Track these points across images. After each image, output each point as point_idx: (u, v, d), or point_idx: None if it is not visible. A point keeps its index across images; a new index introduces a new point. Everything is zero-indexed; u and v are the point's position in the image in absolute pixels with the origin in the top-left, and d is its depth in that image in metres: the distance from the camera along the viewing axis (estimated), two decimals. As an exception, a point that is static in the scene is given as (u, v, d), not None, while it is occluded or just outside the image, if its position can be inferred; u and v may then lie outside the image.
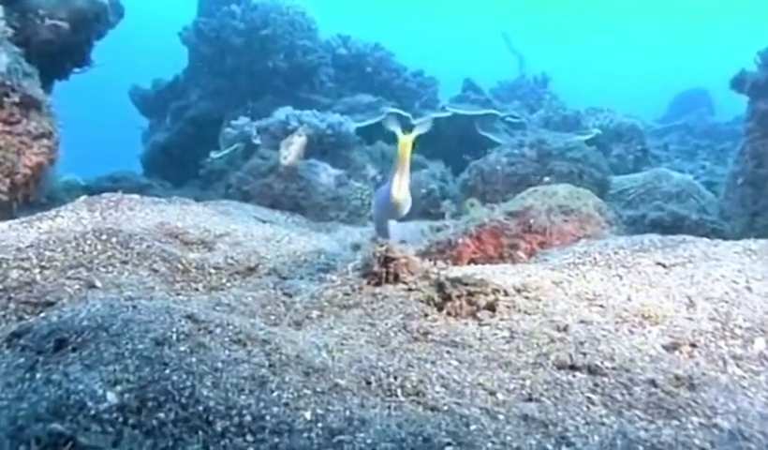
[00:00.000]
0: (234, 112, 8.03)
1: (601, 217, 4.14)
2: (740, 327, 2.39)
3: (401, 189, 2.81)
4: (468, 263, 3.60)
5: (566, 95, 10.85)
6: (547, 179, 5.28)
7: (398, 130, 2.72)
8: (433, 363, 2.07)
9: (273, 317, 2.59)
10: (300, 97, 8.60)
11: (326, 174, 5.96)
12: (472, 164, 5.95)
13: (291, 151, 5.73)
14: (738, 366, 2.19)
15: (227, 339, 2.04)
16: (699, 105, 13.80)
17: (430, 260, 2.98)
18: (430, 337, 2.27)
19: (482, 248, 3.72)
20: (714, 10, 37.22)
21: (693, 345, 2.27)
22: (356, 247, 3.87)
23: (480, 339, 2.26)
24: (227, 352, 1.96)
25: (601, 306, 2.53)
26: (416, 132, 2.81)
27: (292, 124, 6.44)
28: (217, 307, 2.57)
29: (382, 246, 2.81)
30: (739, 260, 3.07)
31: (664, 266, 2.97)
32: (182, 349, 1.92)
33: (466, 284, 2.53)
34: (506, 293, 2.54)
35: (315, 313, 2.62)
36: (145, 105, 10.52)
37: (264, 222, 4.40)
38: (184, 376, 1.77)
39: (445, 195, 6.01)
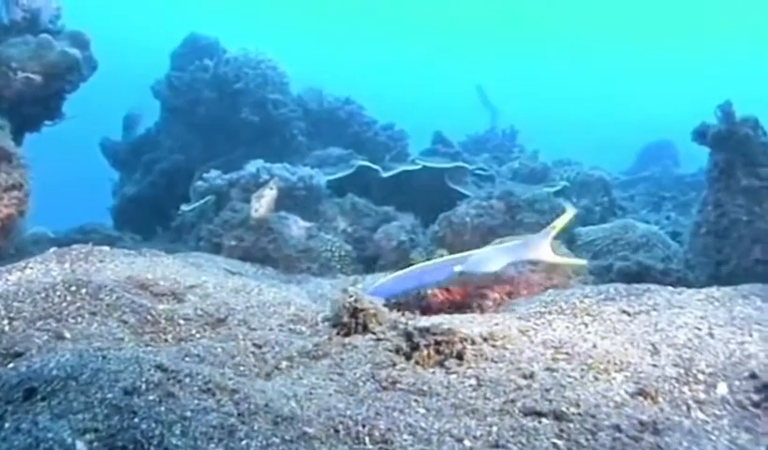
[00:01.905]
0: (206, 166, 8.06)
1: (568, 268, 4.21)
2: (703, 373, 2.44)
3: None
4: (437, 313, 3.63)
5: (539, 146, 11.00)
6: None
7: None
8: (401, 411, 2.10)
9: (242, 368, 2.59)
10: (271, 150, 8.65)
11: (297, 227, 5.99)
12: (441, 216, 6.01)
13: (262, 203, 5.77)
14: (701, 410, 2.24)
15: (196, 389, 2.05)
16: (664, 156, 14.06)
17: (399, 310, 3.02)
18: (398, 385, 2.29)
19: (451, 299, 3.77)
20: (679, 62, 37.99)
21: (657, 391, 2.32)
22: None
23: (448, 387, 2.28)
24: (196, 401, 1.97)
25: (567, 353, 2.58)
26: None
27: (263, 177, 6.49)
28: (186, 358, 2.57)
29: (351, 296, 2.85)
30: (702, 307, 3.13)
31: (629, 314, 3.03)
32: (151, 398, 1.94)
33: (434, 333, 2.56)
34: (473, 342, 2.58)
35: (284, 364, 2.64)
36: (116, 157, 10.53)
37: (234, 274, 4.41)
38: (153, 425, 1.78)
39: (415, 247, 6.05)
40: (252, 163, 6.82)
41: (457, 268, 3.67)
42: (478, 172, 8.56)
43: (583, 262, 4.30)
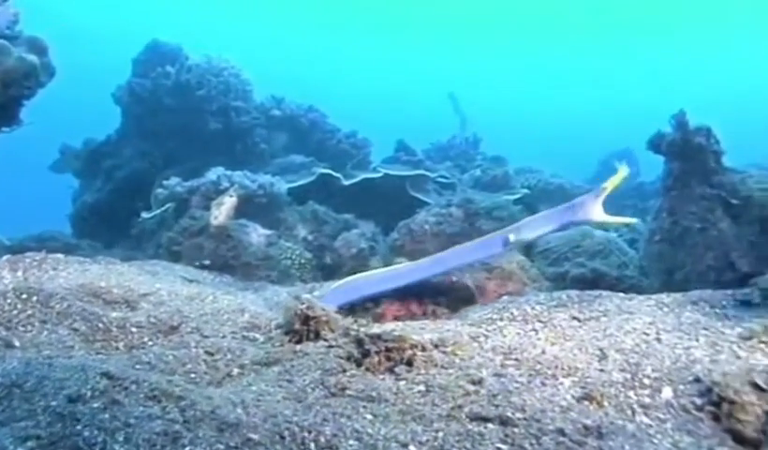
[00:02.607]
0: (166, 173, 8.01)
1: (524, 275, 4.25)
2: (649, 377, 2.48)
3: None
4: (393, 321, 3.66)
5: (504, 154, 11.05)
6: None
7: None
8: (348, 417, 2.11)
9: (193, 375, 2.59)
10: (233, 157, 8.63)
11: (256, 234, 5.98)
12: (401, 224, 6.03)
13: (222, 211, 5.74)
14: (646, 414, 2.28)
15: (142, 396, 2.05)
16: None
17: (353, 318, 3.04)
18: (347, 392, 2.31)
19: (407, 306, 3.79)
20: (640, 73, 38.51)
21: (603, 395, 2.35)
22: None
23: (396, 394, 2.30)
24: (141, 408, 1.97)
25: (516, 359, 2.61)
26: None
27: (223, 184, 6.47)
28: (137, 366, 2.56)
29: (303, 304, 2.86)
30: (651, 313, 3.18)
31: (579, 320, 3.07)
32: (95, 405, 1.93)
33: (385, 340, 2.58)
34: (423, 349, 2.60)
35: (236, 371, 2.64)
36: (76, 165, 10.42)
37: (191, 282, 4.40)
38: (96, 432, 1.78)
39: (375, 254, 6.07)
40: (212, 171, 6.79)
41: (512, 237, 3.74)
42: (439, 179, 8.59)
43: (633, 220, 4.34)
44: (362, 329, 2.70)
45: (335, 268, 6.13)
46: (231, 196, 5.82)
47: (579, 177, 14.65)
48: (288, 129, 9.85)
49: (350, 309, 3.70)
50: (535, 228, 3.79)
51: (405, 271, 3.97)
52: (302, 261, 5.96)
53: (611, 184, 3.74)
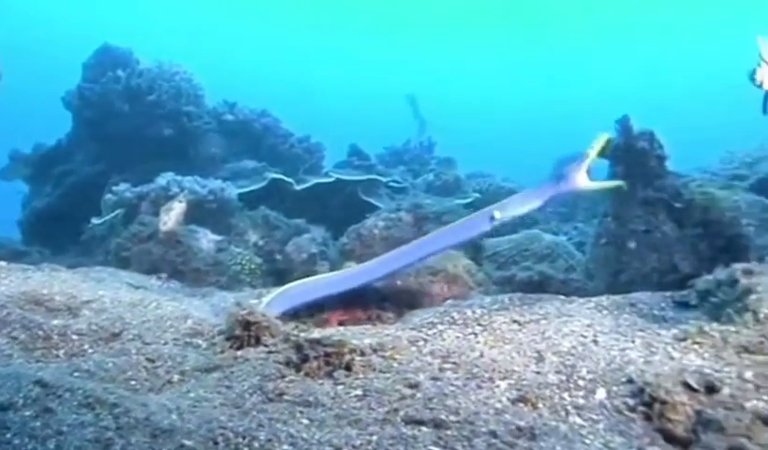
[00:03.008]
0: (117, 178, 7.96)
1: (469, 278, 4.29)
2: (583, 379, 2.53)
3: None
4: (338, 326, 3.67)
5: (459, 158, 11.12)
6: None
7: None
8: (284, 422, 2.12)
9: (133, 382, 2.58)
10: (185, 162, 8.59)
11: (206, 240, 5.96)
12: (350, 228, 6.05)
13: (171, 217, 5.73)
14: (579, 415, 2.32)
15: (75, 404, 2.04)
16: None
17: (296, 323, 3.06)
18: (284, 397, 2.32)
19: (351, 311, 3.81)
20: (594, 77, 38.93)
21: (538, 397, 2.39)
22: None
23: (334, 398, 2.32)
24: (74, 415, 1.97)
25: (454, 363, 2.64)
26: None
27: (173, 190, 6.44)
28: (75, 373, 2.55)
29: (244, 310, 2.87)
30: (590, 315, 3.24)
31: (519, 323, 3.11)
32: (27, 413, 1.93)
33: (324, 345, 2.59)
34: (362, 353, 2.62)
35: (176, 377, 2.64)
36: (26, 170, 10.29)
37: (137, 288, 4.38)
38: (27, 440, 1.78)
39: (325, 259, 6.08)
40: (162, 176, 6.76)
41: (497, 214, 3.65)
42: (392, 184, 8.63)
43: (620, 183, 4.18)
44: (303, 334, 2.72)
45: (286, 273, 6.13)
46: (181, 201, 5.80)
47: (534, 179, 14.81)
48: (241, 134, 9.82)
49: (294, 315, 3.71)
50: (521, 204, 3.73)
51: (371, 267, 3.97)
52: (252, 266, 5.96)
53: (593, 151, 3.70)
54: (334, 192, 8.09)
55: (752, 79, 4.32)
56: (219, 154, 9.22)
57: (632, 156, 5.10)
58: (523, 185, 10.31)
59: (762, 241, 4.85)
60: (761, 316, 2.83)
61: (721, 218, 4.93)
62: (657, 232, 4.98)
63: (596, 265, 5.23)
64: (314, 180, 8.07)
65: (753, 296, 2.96)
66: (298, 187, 7.85)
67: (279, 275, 6.16)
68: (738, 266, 3.25)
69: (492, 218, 3.66)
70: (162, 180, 6.65)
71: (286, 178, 7.87)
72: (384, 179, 8.57)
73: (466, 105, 37.69)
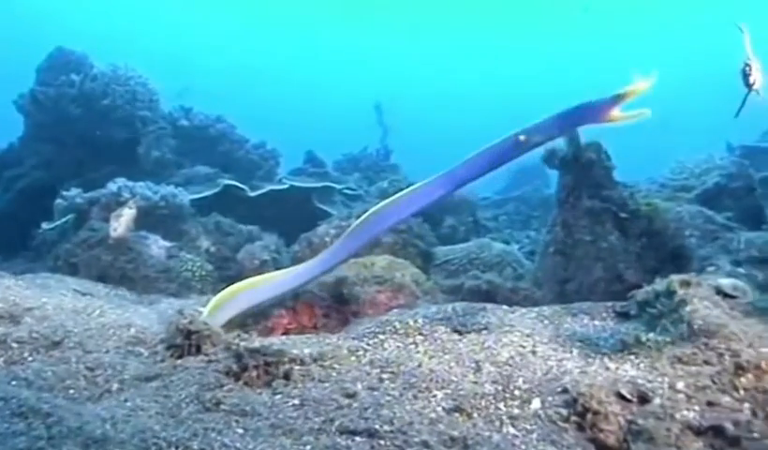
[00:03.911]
0: (70, 183, 7.87)
1: (416, 288, 4.32)
2: (519, 389, 2.57)
3: None
4: (283, 335, 3.68)
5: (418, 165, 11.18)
6: None
7: None
8: (219, 432, 2.13)
9: (71, 391, 2.57)
10: (138, 167, 8.54)
11: (156, 246, 5.93)
12: (302, 236, 6.06)
13: (121, 223, 5.68)
14: (513, 425, 2.36)
15: (8, 413, 2.04)
16: (535, 177, 14.51)
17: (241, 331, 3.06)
18: (221, 406, 2.33)
19: (297, 319, 3.82)
20: (555, 91, 39.21)
21: (474, 407, 2.42)
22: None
23: (271, 408, 2.33)
24: (6, 425, 1.97)
25: (393, 372, 2.66)
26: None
27: (124, 195, 6.40)
28: (13, 382, 2.54)
29: (186, 318, 2.87)
30: (531, 325, 3.28)
31: (460, 333, 3.15)
32: (-42, 423, 1.92)
33: (264, 354, 2.61)
34: (302, 363, 2.64)
35: (115, 386, 2.64)
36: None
37: (84, 295, 4.35)
38: (-45, 451, 1.77)
39: (277, 267, 6.07)
40: (113, 181, 6.70)
41: (522, 137, 3.40)
42: (346, 191, 8.66)
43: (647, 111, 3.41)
44: (243, 343, 2.72)
45: (238, 280, 6.11)
46: (131, 207, 5.76)
47: (491, 188, 14.97)
48: (196, 139, 9.79)
49: (242, 323, 3.71)
50: (548, 128, 3.45)
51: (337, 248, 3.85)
52: (203, 273, 5.94)
53: (632, 89, 3.25)
54: (289, 199, 8.10)
55: (746, 80, 3.68)
56: (173, 159, 9.18)
57: (579, 166, 5.17)
58: (481, 194, 10.44)
59: (704, 252, 4.96)
60: (696, 327, 2.89)
61: (665, 229, 5.03)
62: (602, 242, 5.05)
63: (544, 274, 5.29)
64: (268, 187, 8.07)
65: (688, 307, 3.03)
66: (252, 194, 7.84)
67: (231, 281, 6.14)
68: (675, 278, 3.32)
69: (518, 143, 3.42)
70: (113, 185, 6.60)
71: (239, 185, 7.86)
72: (339, 186, 8.60)
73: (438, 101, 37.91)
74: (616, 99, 3.23)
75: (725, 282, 3.86)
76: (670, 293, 3.25)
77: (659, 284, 3.42)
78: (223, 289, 4.00)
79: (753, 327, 2.90)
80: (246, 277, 5.95)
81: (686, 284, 3.26)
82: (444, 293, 4.81)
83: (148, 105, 9.42)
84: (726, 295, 3.62)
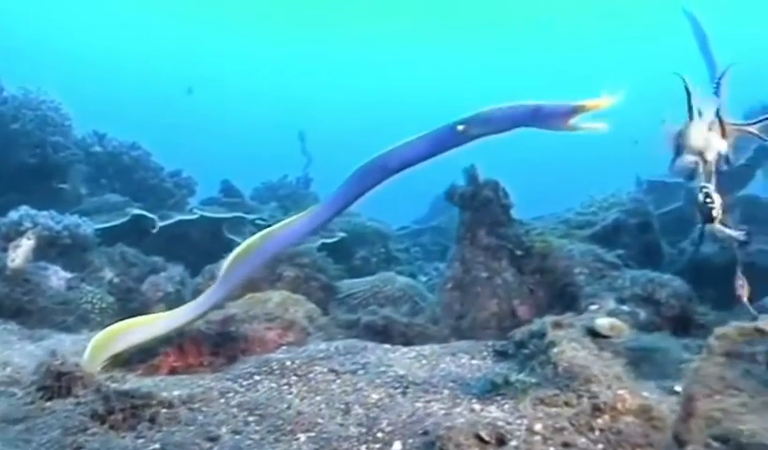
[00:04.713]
0: (-26, 210, 7.73)
1: (309, 324, 4.36)
2: (383, 431, 2.62)
3: None
4: (169, 373, 3.68)
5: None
6: None
7: None
8: (73, 478, 2.14)
9: (-67, 435, 2.55)
10: (49, 194, 8.41)
11: (56, 278, 5.85)
12: (206, 268, 6.05)
13: (19, 253, 5.60)
14: (372, 468, 2.41)
15: None
16: (450, 207, 14.57)
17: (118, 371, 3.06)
18: (81, 451, 2.34)
19: (183, 358, 3.82)
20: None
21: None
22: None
23: (131, 452, 2.35)
24: None
25: (260, 415, 2.70)
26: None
27: (26, 224, 6.29)
28: None
29: (57, 359, 2.86)
30: (408, 365, 3.35)
31: (337, 373, 3.20)
32: None
33: (133, 397, 2.62)
34: (170, 405, 2.66)
35: (-20, 429, 2.62)
36: None
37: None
38: None
39: (181, 299, 6.05)
40: (15, 210, 6.59)
41: (460, 127, 3.19)
42: (258, 222, 8.66)
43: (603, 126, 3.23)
44: (114, 385, 2.73)
45: (142, 312, 6.07)
46: (29, 238, 5.69)
47: (409, 217, 15.08)
48: (110, 166, 9.70)
49: (127, 361, 3.69)
50: (491, 121, 3.24)
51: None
52: (104, 305, 5.87)
53: (591, 103, 3.11)
54: (199, 229, 8.07)
55: (705, 213, 3.13)
56: (85, 187, 9.08)
57: (477, 203, 5.30)
58: (390, 224, 10.54)
59: (591, 289, 5.09)
60: (560, 369, 3.00)
61: (556, 266, 5.17)
62: (498, 278, 5.18)
63: (442, 309, 5.39)
64: (177, 217, 8.03)
65: (556, 349, 3.13)
66: (161, 224, 7.78)
67: (134, 314, 6.09)
68: (548, 319, 3.43)
69: (455, 131, 3.21)
70: (15, 214, 6.47)
71: (148, 214, 7.79)
72: (250, 217, 8.60)
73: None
74: (575, 109, 3.12)
75: (601, 322, 3.99)
76: (541, 334, 3.35)
77: (535, 324, 3.54)
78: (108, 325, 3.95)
79: (613, 368, 3.00)
80: (151, 309, 5.99)
81: (557, 325, 3.37)
82: (340, 329, 4.84)
83: (60, 130, 9.28)
84: (598, 335, 3.76)
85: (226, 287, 3.60)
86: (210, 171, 11.76)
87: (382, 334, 4.82)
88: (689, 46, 8.61)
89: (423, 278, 8.01)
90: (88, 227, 6.72)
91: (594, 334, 3.77)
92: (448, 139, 3.27)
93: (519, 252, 5.22)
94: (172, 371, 3.72)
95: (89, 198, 8.79)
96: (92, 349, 3.45)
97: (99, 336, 3.54)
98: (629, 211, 7.17)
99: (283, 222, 3.66)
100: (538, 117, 3.19)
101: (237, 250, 3.61)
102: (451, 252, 5.58)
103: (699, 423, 2.24)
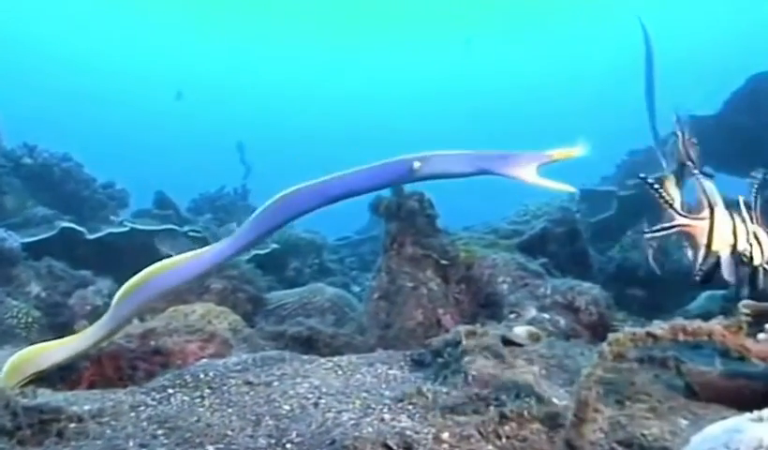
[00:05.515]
0: None
1: (232, 336, 4.37)
2: (292, 442, 2.65)
3: None
4: (88, 387, 3.67)
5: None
6: None
7: None
8: (-26, 494, 2.14)
9: None
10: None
11: (-21, 292, 5.80)
12: (131, 282, 6.01)
13: (-59, 269, 5.54)
14: (279, 479, 2.44)
15: None
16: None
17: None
18: (-15, 467, 2.33)
19: (102, 371, 3.81)
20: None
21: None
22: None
23: (36, 468, 2.35)
24: None
25: (170, 428, 2.71)
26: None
27: (-51, 239, 6.24)
28: None
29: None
30: (323, 376, 3.38)
31: (251, 385, 3.23)
32: None
33: (41, 412, 2.62)
34: (80, 420, 2.66)
35: None
36: None
37: None
38: None
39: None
40: (-62, 225, 6.52)
41: (416, 165, 3.15)
42: (191, 234, 8.62)
43: (571, 189, 3.31)
44: (24, 400, 2.72)
45: (69, 326, 6.02)
46: (-51, 255, 5.62)
47: (351, 228, 15.12)
48: (40, 178, 9.57)
49: (48, 376, 3.66)
50: (448, 163, 3.23)
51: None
52: (30, 320, 5.82)
53: (558, 153, 3.09)
54: (129, 242, 8.01)
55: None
56: (13, 200, 8.95)
57: (402, 214, 5.36)
58: (325, 236, 10.57)
59: (515, 298, 5.20)
60: (470, 378, 3.07)
61: (481, 276, 5.26)
62: (423, 288, 5.24)
63: (369, 320, 5.43)
64: (107, 230, 7.96)
65: (467, 358, 3.21)
66: (90, 237, 7.71)
67: (62, 328, 6.04)
68: (462, 328, 3.50)
69: (411, 169, 3.17)
70: (-67, 229, 6.42)
71: (77, 227, 7.72)
72: (182, 229, 8.56)
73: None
74: (539, 158, 3.10)
75: (517, 331, 4.10)
76: (456, 343, 3.42)
77: (450, 334, 3.61)
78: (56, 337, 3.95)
79: (523, 376, 3.08)
80: (78, 324, 5.93)
81: (471, 334, 3.45)
82: (265, 340, 4.86)
83: (-12, 142, 9.18)
84: (512, 344, 3.85)
85: (117, 319, 3.61)
86: (147, 184, 11.65)
87: (307, 345, 4.85)
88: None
89: (357, 289, 8.06)
90: (15, 240, 6.64)
91: (509, 342, 3.87)
92: (400, 174, 3.25)
93: (444, 262, 5.29)
94: (91, 385, 3.71)
95: (21, 211, 8.67)
96: (6, 371, 3.43)
97: (16, 356, 3.52)
98: (556, 220, 7.30)
99: (186, 255, 3.66)
100: (501, 165, 3.16)
101: (131, 281, 3.58)
102: (378, 263, 5.63)
103: (591, 428, 2.31)
